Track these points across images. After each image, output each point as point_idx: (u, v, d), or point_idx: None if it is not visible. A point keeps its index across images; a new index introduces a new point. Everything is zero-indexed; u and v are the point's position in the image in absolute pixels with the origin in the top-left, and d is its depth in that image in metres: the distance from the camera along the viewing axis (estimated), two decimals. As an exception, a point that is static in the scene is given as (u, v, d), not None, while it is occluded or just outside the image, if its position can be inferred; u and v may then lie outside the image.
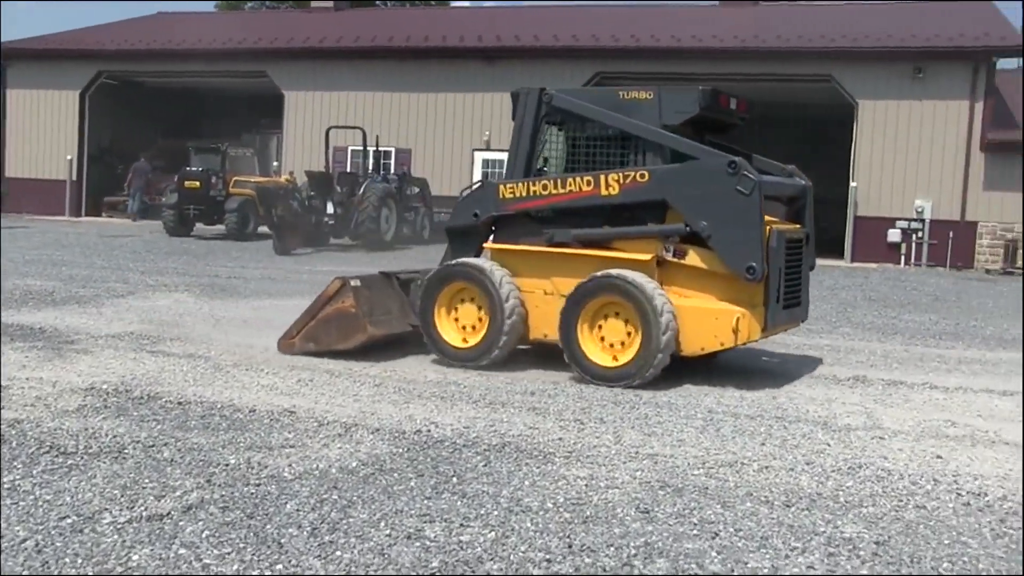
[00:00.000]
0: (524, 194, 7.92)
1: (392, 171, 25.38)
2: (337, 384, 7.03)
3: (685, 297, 7.41)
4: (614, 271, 7.37)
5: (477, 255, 8.25)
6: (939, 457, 5.60)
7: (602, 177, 7.61)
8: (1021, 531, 4.44)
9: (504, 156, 28.64)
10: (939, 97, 24.56)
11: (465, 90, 27.76)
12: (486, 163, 27.90)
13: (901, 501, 4.75)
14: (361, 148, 23.20)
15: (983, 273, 23.22)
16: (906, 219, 24.62)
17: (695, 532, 4.19)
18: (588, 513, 4.39)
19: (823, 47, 25.31)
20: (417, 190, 24.51)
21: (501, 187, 8.05)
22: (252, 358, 7.87)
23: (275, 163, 30.10)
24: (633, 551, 3.95)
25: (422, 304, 8.07)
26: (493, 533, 4.10)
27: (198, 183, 23.26)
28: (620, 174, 7.57)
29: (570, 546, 3.98)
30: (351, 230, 21.17)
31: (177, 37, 30.11)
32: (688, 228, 7.36)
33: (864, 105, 25.10)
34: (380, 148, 24.39)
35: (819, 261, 24.64)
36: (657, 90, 7.78)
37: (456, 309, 8.01)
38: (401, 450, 5.33)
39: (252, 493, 4.47)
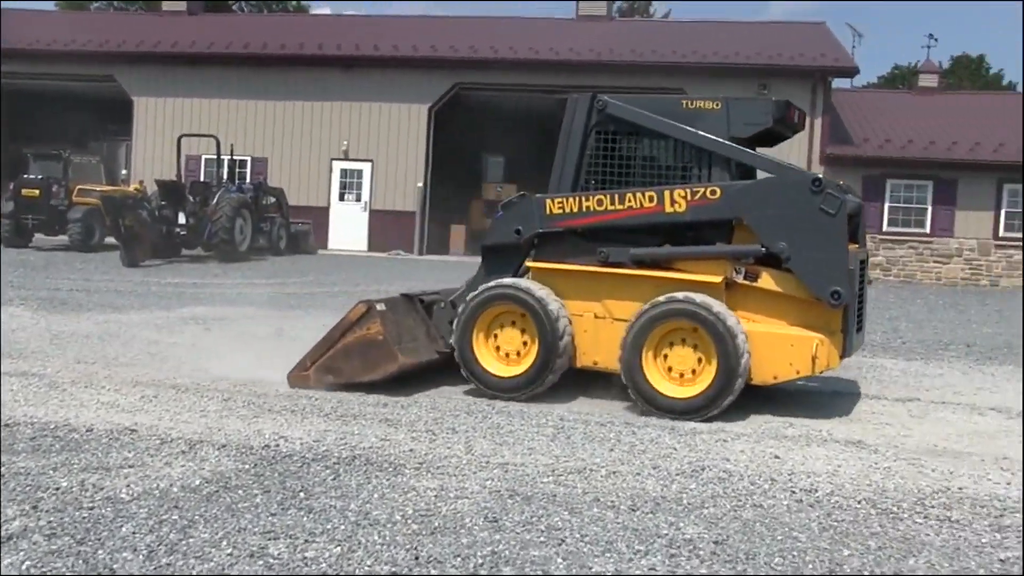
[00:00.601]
0: (575, 210, 7.36)
1: (247, 180, 24.87)
2: (183, 400, 6.82)
3: (755, 322, 6.98)
4: (693, 295, 6.86)
5: (514, 275, 7.64)
6: (777, 457, 5.83)
7: (666, 193, 7.11)
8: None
9: (363, 166, 28.40)
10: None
11: (323, 99, 27.44)
12: (344, 173, 27.64)
13: (740, 501, 4.92)
14: (215, 157, 22.64)
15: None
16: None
17: (542, 539, 4.23)
18: (436, 524, 4.39)
19: (675, 62, 26.12)
20: (273, 200, 24.08)
21: (549, 202, 7.46)
22: (92, 375, 7.55)
23: (124, 171, 29.05)
24: (480, 560, 3.96)
25: (461, 328, 7.40)
26: (339, 548, 4.04)
27: (37, 191, 22.19)
28: (687, 190, 7.08)
29: (416, 558, 3.96)
30: (204, 241, 20.64)
31: (14, 36, 28.70)
32: (764, 249, 6.95)
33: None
34: (235, 157, 23.85)
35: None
36: (725, 100, 7.38)
37: (496, 334, 7.42)
38: (248, 466, 5.21)
39: (84, 517, 4.28)
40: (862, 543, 4.35)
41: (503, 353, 7.40)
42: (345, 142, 27.38)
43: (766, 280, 7.03)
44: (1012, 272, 25.42)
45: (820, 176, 6.94)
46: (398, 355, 7.20)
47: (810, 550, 4.23)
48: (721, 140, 7.21)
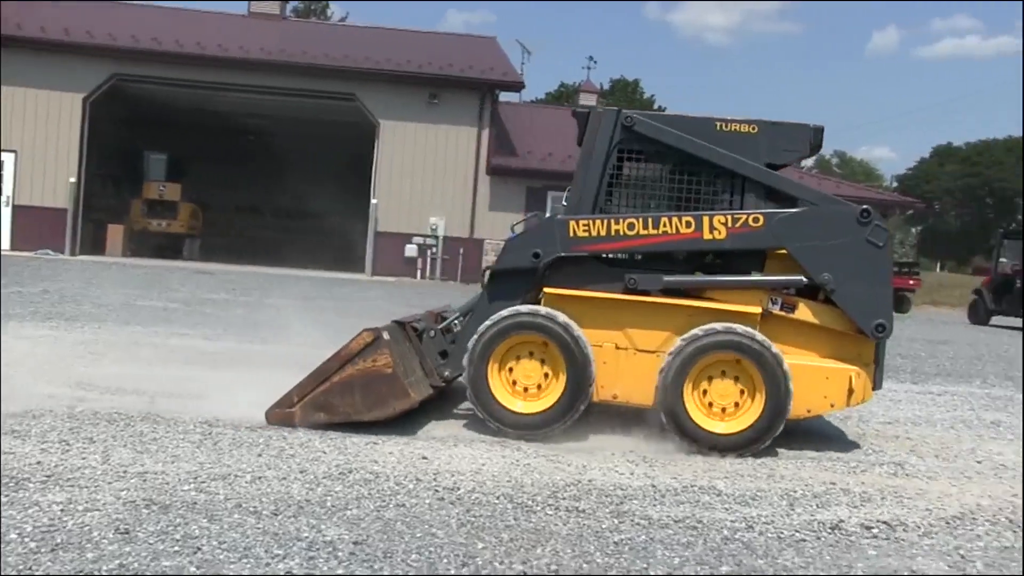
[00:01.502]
0: (603, 233, 6.89)
1: None
2: None
3: (788, 354, 6.71)
4: (737, 326, 6.61)
5: (523, 302, 7.04)
6: (424, 458, 5.99)
7: (705, 219, 6.81)
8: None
9: (4, 157, 25.99)
10: (451, 123, 26.50)
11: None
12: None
13: (384, 501, 5.01)
14: None
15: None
16: (422, 235, 26.23)
17: (176, 549, 4.08)
18: (59, 540, 4.10)
19: (347, 66, 26.18)
20: None
21: (573, 224, 6.93)
22: None
23: None
24: (105, 574, 3.76)
25: (476, 360, 6.79)
26: (-61, 573, 3.68)
27: None
28: (728, 216, 6.80)
29: (32, 578, 3.69)
30: None
31: None
32: (807, 280, 6.82)
33: (385, 125, 26.34)
34: None
35: (340, 276, 25.40)
36: (762, 125, 7.04)
37: (511, 367, 6.87)
38: None
39: None
40: (496, 536, 4.58)
41: (520, 387, 6.87)
42: (-20, 132, 24.98)
43: (803, 311, 6.92)
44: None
45: (869, 208, 6.87)
46: (409, 390, 6.54)
47: (447, 545, 4.39)
48: (760, 167, 6.97)
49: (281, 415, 6.58)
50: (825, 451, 6.99)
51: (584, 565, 4.25)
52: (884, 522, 5.22)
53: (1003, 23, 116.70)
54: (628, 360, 6.87)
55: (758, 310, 6.81)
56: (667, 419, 6.65)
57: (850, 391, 6.72)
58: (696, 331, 6.64)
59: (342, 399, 6.53)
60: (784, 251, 6.89)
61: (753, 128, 7.02)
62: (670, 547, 4.58)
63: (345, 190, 28.96)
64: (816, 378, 6.74)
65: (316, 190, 29.57)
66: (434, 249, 26.18)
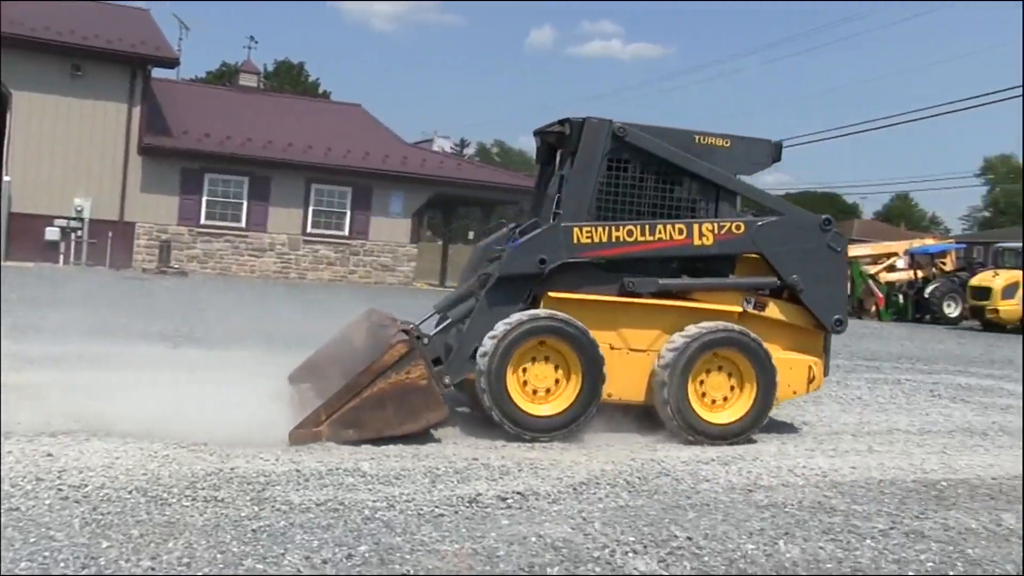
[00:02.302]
0: (604, 240, 7.19)
1: None
2: None
3: None
4: (734, 325, 7.25)
5: (527, 307, 7.15)
6: (49, 455, 5.56)
7: (695, 226, 7.37)
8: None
9: None
10: (98, 97, 24.79)
11: None
12: None
13: (-6, 505, 4.59)
14: None
15: (141, 272, 24.02)
16: (65, 217, 24.36)
17: None
18: None
19: (-25, 30, 23.69)
20: None
21: (576, 231, 7.16)
22: None
23: None
24: None
25: (496, 366, 6.83)
26: None
27: None
28: (715, 224, 7.39)
29: None
30: None
31: None
32: (779, 281, 7.51)
33: (19, 96, 24.22)
34: None
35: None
36: (733, 139, 7.63)
37: (525, 371, 7.00)
38: None
39: None
40: (124, 532, 4.34)
41: (541, 391, 7.05)
42: None
43: (772, 309, 7.64)
44: (317, 266, 27.64)
45: (830, 217, 7.73)
46: (443, 402, 6.57)
47: (66, 547, 4.09)
48: (733, 177, 7.60)
49: (307, 435, 6.27)
50: (469, 428, 7.27)
51: (219, 555, 4.14)
52: (519, 492, 5.52)
53: (641, 31, 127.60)
54: (622, 359, 7.29)
55: (738, 309, 7.54)
56: (673, 414, 7.16)
57: (810, 379, 7.68)
58: (699, 328, 7.22)
59: (373, 414, 6.41)
60: (755, 255, 7.63)
61: (727, 142, 7.71)
62: (310, 531, 4.57)
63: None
64: (782, 369, 7.45)
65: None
66: (79, 232, 24.36)
